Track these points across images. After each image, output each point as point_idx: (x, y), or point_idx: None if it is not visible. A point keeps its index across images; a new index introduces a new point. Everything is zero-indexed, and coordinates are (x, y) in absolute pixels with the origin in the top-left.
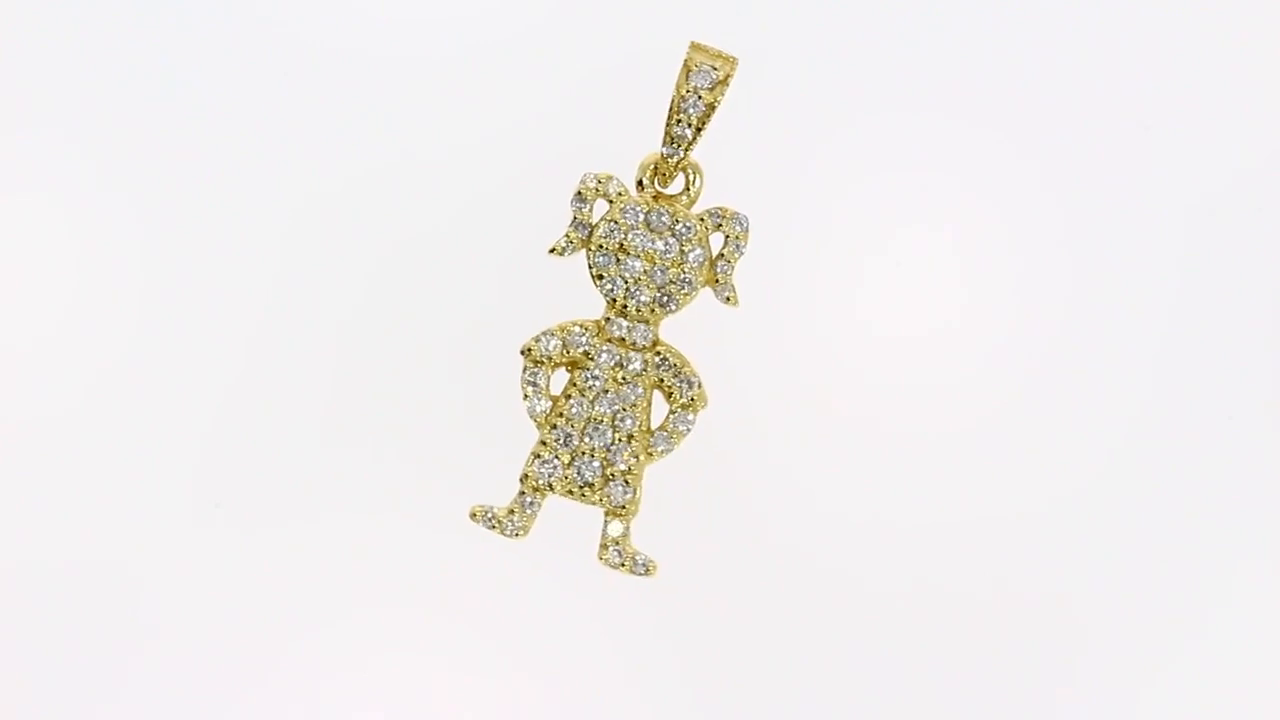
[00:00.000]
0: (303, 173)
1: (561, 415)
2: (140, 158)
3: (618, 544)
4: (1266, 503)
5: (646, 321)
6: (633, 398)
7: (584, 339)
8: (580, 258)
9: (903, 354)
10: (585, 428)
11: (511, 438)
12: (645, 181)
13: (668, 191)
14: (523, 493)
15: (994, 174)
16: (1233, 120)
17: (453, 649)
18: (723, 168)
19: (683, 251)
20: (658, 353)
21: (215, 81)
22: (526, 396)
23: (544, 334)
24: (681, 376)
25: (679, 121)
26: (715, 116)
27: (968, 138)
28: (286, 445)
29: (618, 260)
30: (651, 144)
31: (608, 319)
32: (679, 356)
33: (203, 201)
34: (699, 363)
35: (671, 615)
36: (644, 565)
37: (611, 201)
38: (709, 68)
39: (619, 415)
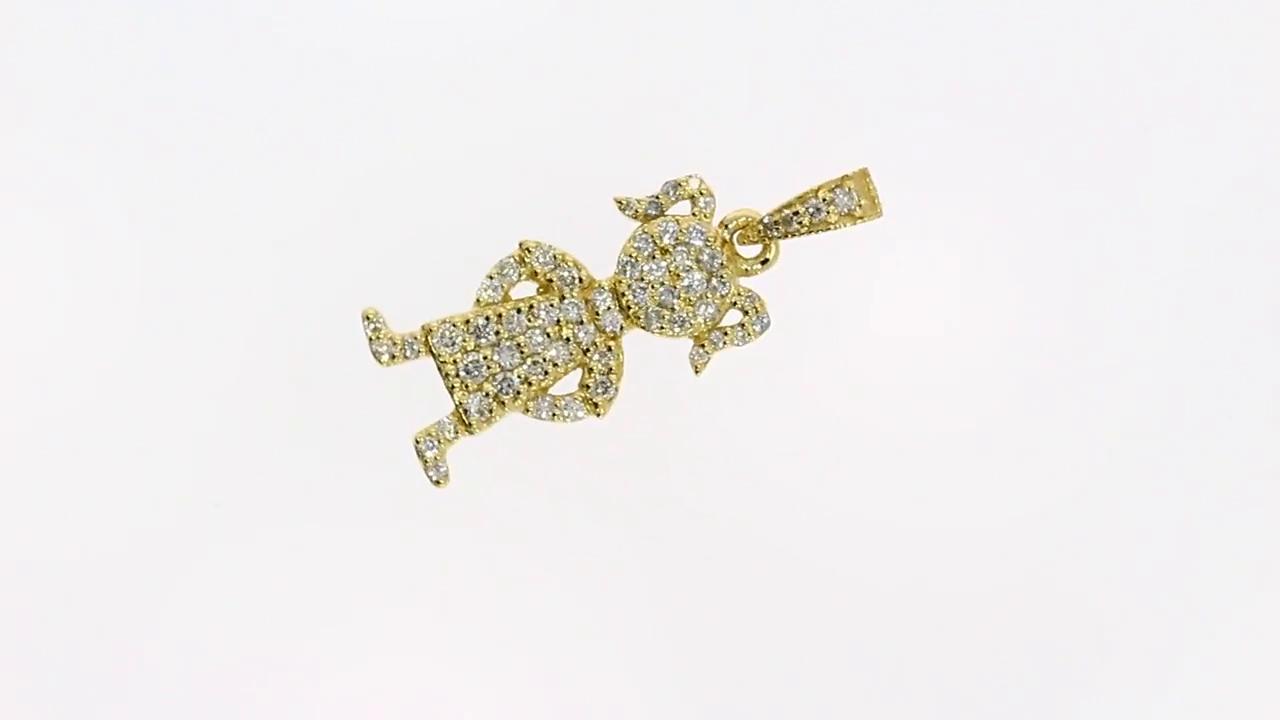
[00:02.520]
0: (303, 175)
1: (499, 316)
2: (141, 160)
3: (438, 442)
4: (1267, 502)
5: (625, 317)
6: (558, 358)
7: (570, 281)
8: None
9: (906, 355)
10: (504, 341)
11: (510, 437)
12: (730, 228)
13: (739, 249)
14: (415, 337)
15: (994, 174)
16: (1233, 121)
17: (453, 649)
18: (727, 167)
19: (702, 298)
20: (609, 346)
21: (215, 84)
22: (491, 277)
23: (549, 247)
24: (608, 379)
25: (797, 212)
26: (823, 235)
27: (968, 139)
28: (286, 446)
29: (651, 256)
30: (652, 155)
31: (600, 287)
32: (621, 365)
33: (204, 205)
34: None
35: (674, 616)
36: (440, 475)
37: (694, 212)
38: (856, 201)
39: (536, 360)
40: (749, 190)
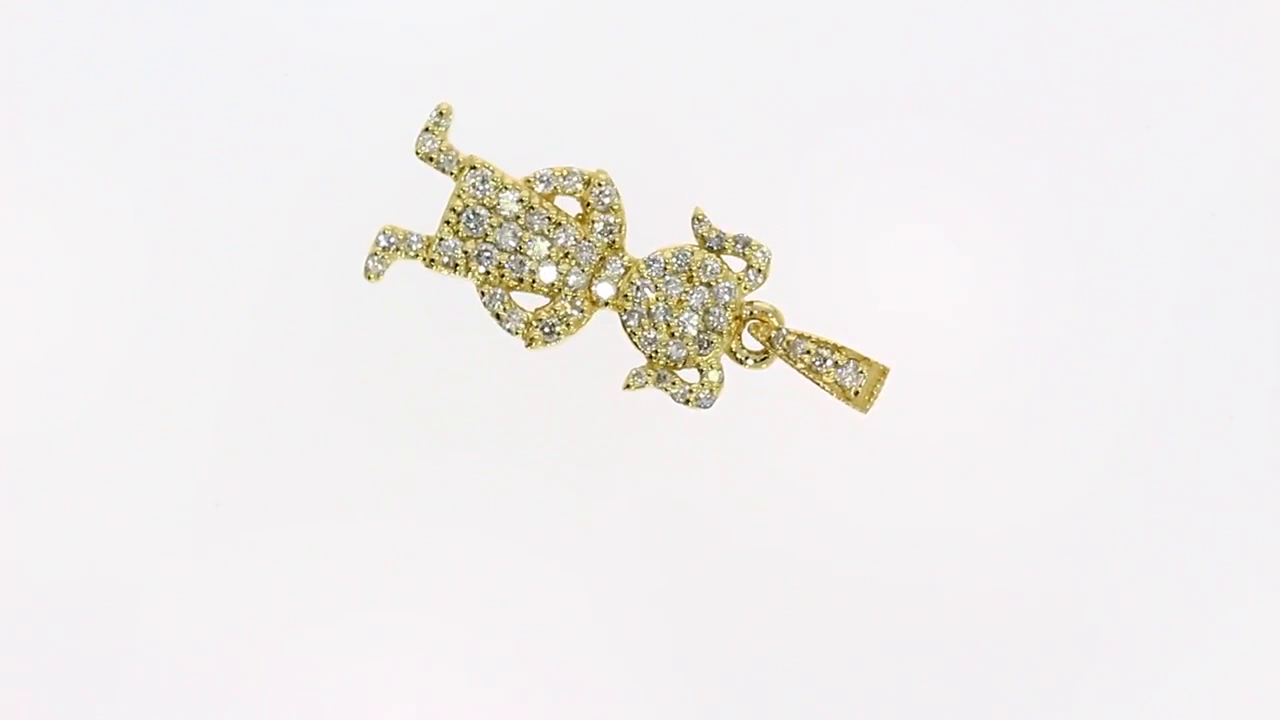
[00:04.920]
0: (304, 177)
1: (530, 206)
2: (144, 163)
3: (397, 245)
4: (1267, 502)
5: (615, 295)
6: (539, 276)
7: (606, 232)
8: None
9: (905, 355)
10: (513, 225)
11: (509, 437)
12: (752, 311)
13: (746, 334)
14: (458, 158)
15: (996, 175)
16: (1233, 121)
17: (453, 649)
18: (734, 165)
19: (682, 339)
20: (583, 305)
21: (217, 88)
22: (554, 171)
23: (616, 195)
24: (559, 326)
25: (808, 350)
26: (814, 379)
27: (972, 140)
28: (285, 447)
29: (677, 273)
30: (650, 155)
31: (622, 257)
32: (578, 325)
33: (205, 206)
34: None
35: (676, 616)
36: (375, 271)
37: (740, 275)
38: (857, 385)
39: (522, 262)
40: (758, 187)
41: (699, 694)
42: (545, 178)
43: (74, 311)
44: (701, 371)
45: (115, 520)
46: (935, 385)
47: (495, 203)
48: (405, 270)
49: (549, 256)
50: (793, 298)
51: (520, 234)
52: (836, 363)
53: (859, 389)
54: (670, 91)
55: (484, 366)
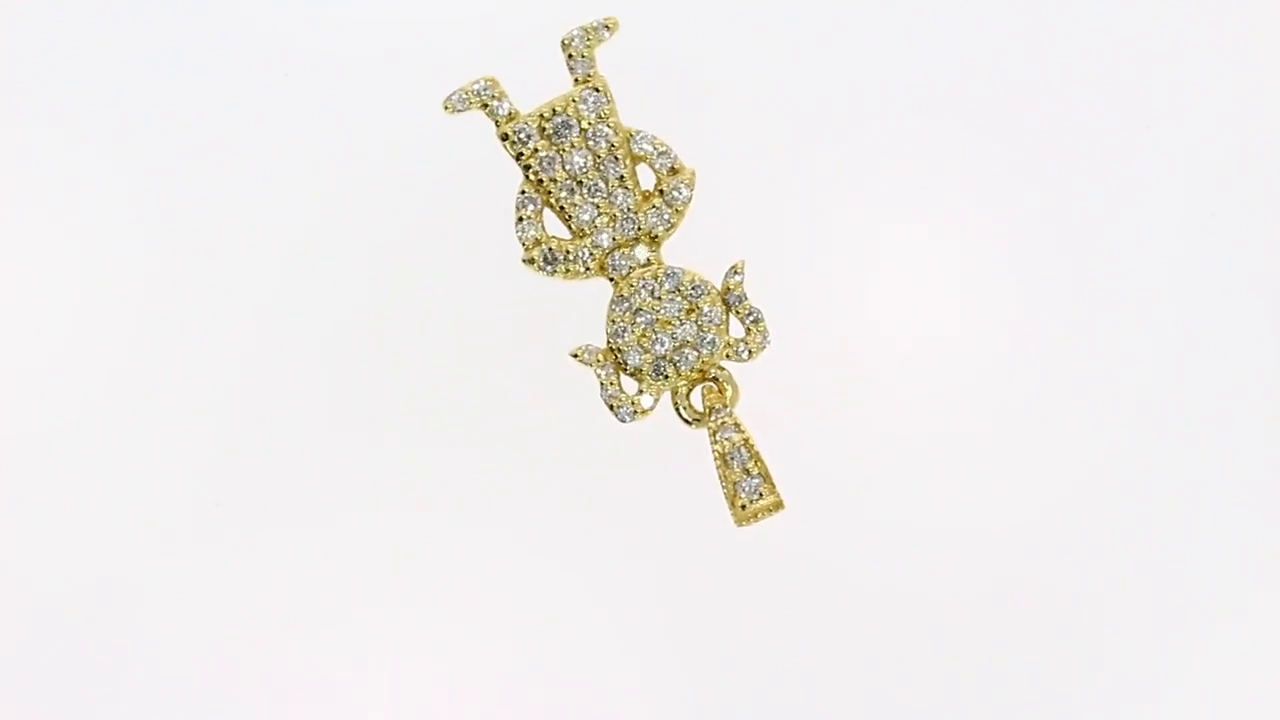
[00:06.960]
0: (305, 177)
1: (616, 157)
2: (144, 163)
3: (487, 97)
4: (1268, 503)
5: (619, 281)
6: (578, 212)
7: (658, 225)
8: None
9: (904, 358)
10: (588, 154)
11: (510, 436)
12: (719, 372)
13: (696, 393)
14: (592, 66)
15: (998, 178)
16: (1233, 121)
17: (454, 649)
18: (737, 167)
19: (647, 353)
20: (590, 264)
21: (218, 88)
22: (653, 140)
23: (689, 200)
24: (560, 262)
25: (731, 440)
26: (719, 467)
27: (972, 140)
28: (286, 446)
29: (685, 299)
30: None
31: (649, 252)
32: (575, 276)
33: (206, 206)
34: None
35: (679, 617)
36: (455, 104)
37: (734, 339)
38: (750, 499)
39: (573, 190)
40: (759, 189)
41: (700, 693)
42: (643, 141)
43: (74, 311)
44: (640, 390)
45: (115, 520)
46: (935, 384)
47: (589, 127)
48: (405, 268)
49: (595, 205)
50: (792, 298)
51: (588, 169)
52: (747, 470)
53: (747, 504)
54: (670, 90)
55: (484, 366)
